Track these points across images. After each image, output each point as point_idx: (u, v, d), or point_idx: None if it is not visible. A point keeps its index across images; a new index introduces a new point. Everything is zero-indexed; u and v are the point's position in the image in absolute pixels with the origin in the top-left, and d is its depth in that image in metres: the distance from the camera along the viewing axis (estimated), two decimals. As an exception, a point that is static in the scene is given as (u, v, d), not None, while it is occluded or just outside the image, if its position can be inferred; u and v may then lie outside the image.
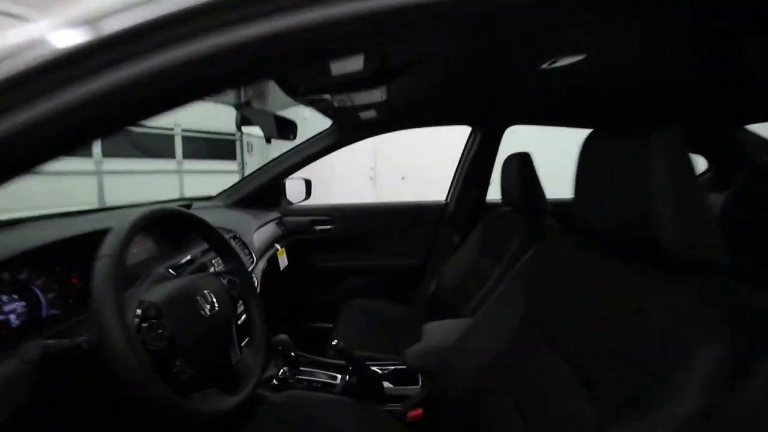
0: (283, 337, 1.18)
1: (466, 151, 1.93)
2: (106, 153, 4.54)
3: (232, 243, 1.26)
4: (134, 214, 0.62)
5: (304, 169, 2.02)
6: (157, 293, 0.63)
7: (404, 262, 2.03)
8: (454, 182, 2.01)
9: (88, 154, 4.32)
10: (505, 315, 0.85)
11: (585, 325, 0.62)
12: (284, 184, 1.97)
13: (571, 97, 1.28)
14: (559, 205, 1.42)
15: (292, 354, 1.18)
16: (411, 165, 5.52)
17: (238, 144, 5.91)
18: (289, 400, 0.96)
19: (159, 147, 5.03)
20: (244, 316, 0.91)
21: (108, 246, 0.55)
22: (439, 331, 1.17)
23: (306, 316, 2.03)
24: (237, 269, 0.87)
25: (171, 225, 0.84)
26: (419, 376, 1.22)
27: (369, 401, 1.03)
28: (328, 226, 1.99)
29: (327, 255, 2.02)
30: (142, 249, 1.11)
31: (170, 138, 5.14)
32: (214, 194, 1.84)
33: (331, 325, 1.62)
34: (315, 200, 2.07)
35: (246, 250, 1.33)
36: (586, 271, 0.69)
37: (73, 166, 4.19)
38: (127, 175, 4.66)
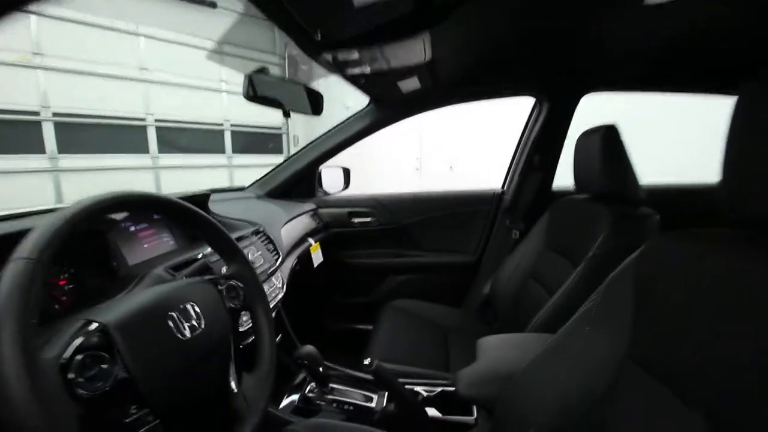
0: (309, 348, 1.00)
1: (528, 127, 1.63)
2: (162, 150, 4.72)
3: (255, 237, 1.11)
4: (73, 205, 0.45)
5: (342, 159, 1.85)
6: (112, 312, 0.46)
7: (454, 260, 1.78)
8: (513, 166, 1.72)
9: (145, 150, 4.52)
10: (601, 342, 0.60)
11: (732, 365, 0.39)
12: (319, 173, 1.80)
13: (683, 46, 0.95)
14: (657, 193, 1.10)
15: (320, 369, 1.00)
16: (460, 153, 5.18)
17: (284, 137, 5.92)
18: (308, 430, 0.77)
19: (210, 142, 5.16)
20: (251, 335, 0.73)
21: (24, 247, 0.39)
22: (498, 350, 0.92)
23: (343, 317, 1.86)
24: (240, 272, 0.69)
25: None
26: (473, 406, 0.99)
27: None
28: (368, 219, 1.79)
29: (366, 251, 1.83)
30: (154, 244, 0.98)
31: (220, 133, 5.26)
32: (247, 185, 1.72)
33: (371, 327, 1.42)
34: (355, 192, 1.88)
35: (271, 246, 1.17)
36: (736, 283, 0.42)
37: (130, 162, 4.39)
38: (180, 170, 4.82)
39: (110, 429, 0.43)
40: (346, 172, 1.87)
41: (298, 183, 1.71)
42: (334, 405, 1.00)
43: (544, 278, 1.26)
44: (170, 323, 0.50)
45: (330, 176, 1.84)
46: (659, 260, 0.55)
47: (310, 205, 1.72)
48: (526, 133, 1.66)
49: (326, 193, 1.85)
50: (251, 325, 0.70)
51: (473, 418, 0.95)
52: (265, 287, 1.07)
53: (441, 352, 1.28)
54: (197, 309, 0.55)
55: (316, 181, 1.80)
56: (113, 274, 0.78)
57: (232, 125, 5.29)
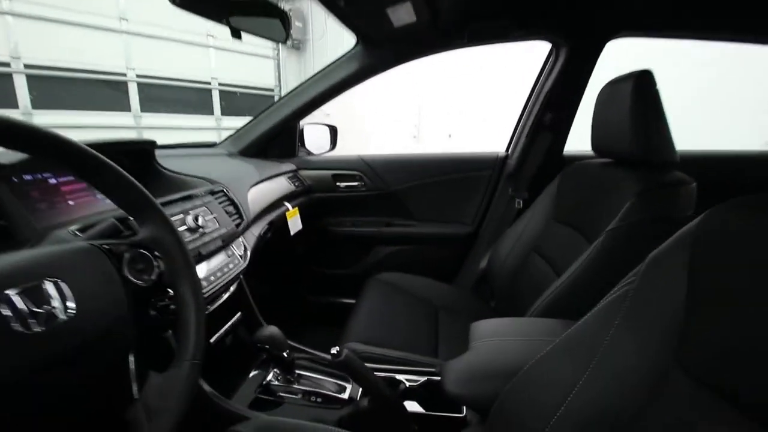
0: (271, 330, 0.85)
1: (540, 79, 1.42)
2: (144, 108, 4.44)
3: (210, 197, 0.92)
4: None
5: (331, 121, 1.64)
6: None
7: (449, 231, 1.61)
8: (520, 126, 1.52)
9: (127, 108, 4.24)
10: (639, 338, 0.44)
11: None
12: (301, 130, 1.60)
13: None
14: (691, 160, 0.93)
15: (285, 354, 0.84)
16: (460, 120, 4.90)
17: (276, 98, 5.61)
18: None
19: (197, 102, 4.86)
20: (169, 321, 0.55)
21: None
22: (495, 339, 0.77)
23: (325, 290, 1.71)
24: (157, 237, 0.51)
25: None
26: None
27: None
28: (355, 183, 1.60)
29: (352, 218, 1.65)
30: (84, 202, 0.80)
31: (208, 93, 4.95)
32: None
33: (355, 301, 1.27)
34: (341, 153, 1.68)
35: (232, 209, 0.99)
36: None
37: (110, 120, 4.12)
38: (166, 131, 4.56)
39: None
40: (333, 131, 1.67)
41: (275, 140, 1.51)
42: (300, 396, 0.86)
43: (550, 253, 1.09)
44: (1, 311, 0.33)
45: (314, 134, 1.64)
46: (722, 234, 0.39)
47: (289, 166, 1.52)
48: (537, 87, 1.45)
49: (309, 153, 1.65)
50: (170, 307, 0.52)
51: (462, 415, 0.80)
52: (221, 257, 0.90)
53: (430, 333, 1.13)
54: (64, 288, 0.38)
55: (297, 138, 1.60)
56: (6, 237, 0.60)
57: (220, 84, 4.97)
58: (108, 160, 0.47)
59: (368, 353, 0.97)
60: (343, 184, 1.60)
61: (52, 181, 0.77)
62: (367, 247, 1.65)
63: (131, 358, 0.44)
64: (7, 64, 3.64)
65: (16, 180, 0.68)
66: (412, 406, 0.83)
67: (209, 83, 4.89)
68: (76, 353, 0.37)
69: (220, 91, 5.07)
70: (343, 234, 1.64)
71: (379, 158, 1.62)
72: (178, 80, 4.59)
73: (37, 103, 3.79)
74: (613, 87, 0.94)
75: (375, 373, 0.73)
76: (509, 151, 1.54)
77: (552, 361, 0.54)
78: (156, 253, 0.51)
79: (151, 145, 0.91)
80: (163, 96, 4.53)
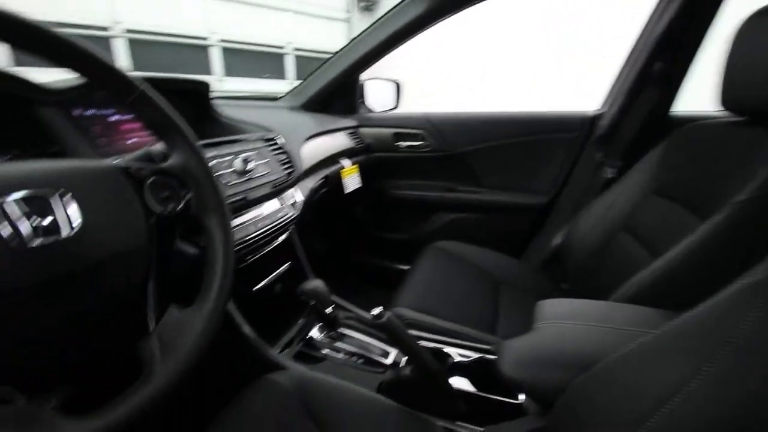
0: (316, 284, 0.80)
1: (651, 19, 1.15)
2: (228, 72, 4.67)
3: (261, 143, 0.88)
4: None
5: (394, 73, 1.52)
6: None
7: (520, 200, 1.44)
8: (619, 78, 1.27)
9: (209, 72, 4.49)
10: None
11: None
12: (362, 85, 1.51)
13: None
14: None
15: (328, 310, 0.80)
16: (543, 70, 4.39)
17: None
18: (295, 387, 0.59)
19: (272, 67, 5.00)
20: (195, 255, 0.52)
21: None
22: (566, 321, 0.64)
23: (379, 254, 1.65)
24: (183, 165, 0.47)
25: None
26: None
27: (425, 413, 0.60)
28: (417, 143, 1.49)
29: (412, 181, 1.56)
30: (145, 141, 0.81)
31: (281, 57, 5.04)
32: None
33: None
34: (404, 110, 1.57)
35: (284, 157, 0.94)
36: None
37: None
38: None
39: None
40: (397, 87, 1.55)
41: (336, 95, 1.44)
42: (341, 355, 0.81)
43: (645, 232, 0.90)
44: None
45: (376, 90, 1.54)
46: None
47: (349, 122, 1.46)
48: (645, 32, 1.18)
49: (370, 111, 1.56)
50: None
51: (519, 401, 0.70)
52: (270, 204, 0.87)
53: (489, 308, 1.02)
54: (71, 202, 0.34)
55: (357, 94, 1.52)
56: None
57: (295, 49, 5.03)
58: (133, 77, 0.43)
59: (416, 320, 0.90)
60: (404, 144, 1.50)
61: (112, 118, 0.78)
62: (427, 212, 1.55)
63: (150, 290, 0.41)
64: (108, 28, 4.00)
65: (77, 114, 0.69)
66: (461, 383, 0.74)
67: (283, 47, 4.97)
68: (82, 274, 0.34)
69: (297, 57, 5.14)
70: (401, 197, 1.55)
71: (445, 117, 1.48)
72: (256, 44, 4.72)
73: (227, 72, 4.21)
74: (761, 19, 0.71)
75: (422, 342, 0.65)
76: (603, 109, 1.31)
77: (648, 357, 0.41)
78: (181, 180, 0.47)
79: (204, 87, 0.88)
80: (242, 61, 4.71)
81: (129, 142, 0.79)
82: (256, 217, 0.81)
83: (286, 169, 0.93)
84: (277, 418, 0.54)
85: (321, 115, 1.40)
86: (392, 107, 1.56)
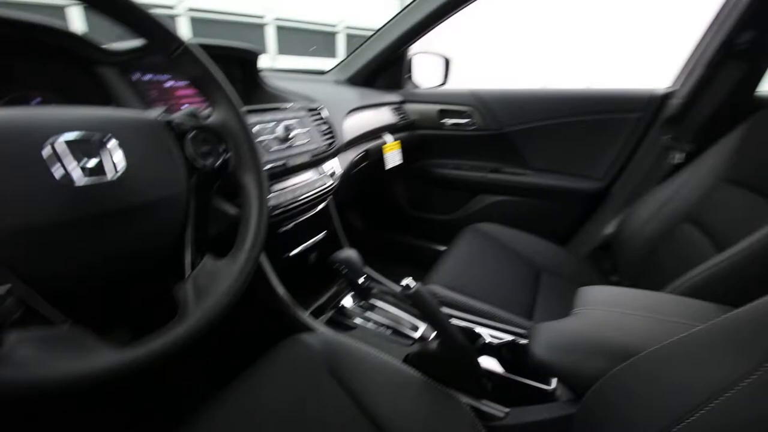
0: (349, 253, 0.81)
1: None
2: (281, 51, 4.78)
3: (304, 113, 0.89)
4: None
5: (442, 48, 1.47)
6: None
7: (571, 184, 1.35)
8: (695, 52, 1.13)
9: (263, 51, 4.61)
10: None
11: None
12: (410, 60, 1.47)
13: None
14: None
15: (360, 280, 0.81)
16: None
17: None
18: (323, 348, 0.60)
19: (323, 46, 5.03)
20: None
21: None
22: (611, 307, 0.59)
23: (416, 233, 1.64)
24: (223, 122, 0.49)
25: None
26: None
27: (450, 388, 0.59)
28: (464, 120, 1.44)
29: (456, 160, 1.51)
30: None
31: (332, 36, 5.06)
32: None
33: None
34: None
35: (325, 128, 0.95)
36: None
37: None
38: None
39: None
40: (446, 62, 1.50)
41: (382, 70, 1.42)
42: (370, 324, 0.82)
43: (713, 222, 0.81)
44: (46, 156, 0.32)
45: (424, 65, 1.50)
46: None
47: (394, 97, 1.43)
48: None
49: (416, 86, 1.53)
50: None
51: (550, 387, 0.67)
52: (310, 173, 0.89)
53: (527, 295, 0.98)
54: (116, 148, 0.37)
55: (404, 69, 1.48)
56: None
57: (346, 27, 5.02)
58: (177, 33, 0.45)
59: (448, 298, 0.88)
60: (449, 121, 1.45)
61: (168, 84, 0.82)
62: (469, 193, 1.50)
63: (187, 239, 0.43)
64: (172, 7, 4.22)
65: (135, 78, 0.73)
66: (489, 363, 0.73)
67: (335, 26, 4.97)
68: (123, 215, 0.37)
69: (348, 36, 5.13)
70: (442, 176, 1.52)
71: (494, 93, 1.41)
72: (309, 23, 4.77)
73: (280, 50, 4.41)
74: None
75: (453, 321, 0.64)
76: (675, 87, 1.18)
77: (697, 351, 0.37)
78: (221, 136, 0.49)
79: (253, 55, 0.90)
80: (295, 39, 4.79)
81: (182, 107, 0.84)
82: (294, 184, 0.82)
83: (327, 139, 0.93)
84: (304, 374, 0.56)
85: (366, 89, 1.39)
86: (440, 83, 1.51)
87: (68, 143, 0.33)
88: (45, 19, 0.51)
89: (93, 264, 0.34)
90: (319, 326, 0.79)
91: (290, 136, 0.80)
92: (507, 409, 0.62)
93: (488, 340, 0.78)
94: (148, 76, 0.77)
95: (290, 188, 0.80)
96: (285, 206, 0.78)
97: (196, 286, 0.41)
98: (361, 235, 1.70)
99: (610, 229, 1.19)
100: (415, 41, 1.33)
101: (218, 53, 0.88)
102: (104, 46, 0.61)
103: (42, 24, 0.50)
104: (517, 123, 1.38)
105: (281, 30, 4.62)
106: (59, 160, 0.32)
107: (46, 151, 0.32)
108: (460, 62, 1.48)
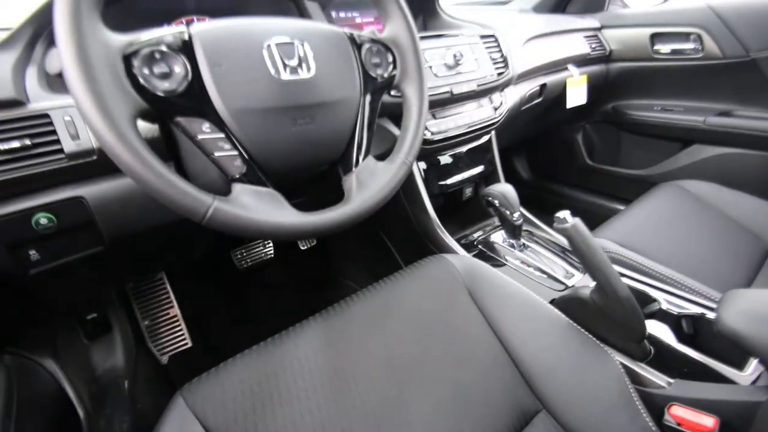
0: (506, 187, 0.78)
1: None
2: None
3: (476, 39, 0.86)
4: None
5: None
6: (204, 24, 0.40)
7: None
8: None
9: None
10: None
11: None
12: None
13: None
14: None
15: (513, 216, 0.78)
16: None
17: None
18: (465, 270, 0.63)
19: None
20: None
21: None
22: None
23: (596, 188, 1.41)
24: (394, 36, 0.52)
25: None
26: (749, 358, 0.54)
27: (602, 342, 0.54)
28: (687, 46, 1.11)
29: (665, 101, 1.21)
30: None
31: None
32: None
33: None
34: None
35: (499, 57, 0.90)
36: None
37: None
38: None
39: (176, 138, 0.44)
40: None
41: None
42: (519, 262, 0.79)
43: None
44: (265, 54, 0.42)
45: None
46: None
47: (589, 23, 1.21)
48: None
49: (625, 5, 1.25)
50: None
51: (744, 372, 0.52)
52: (474, 103, 0.87)
53: (741, 274, 0.76)
54: (307, 51, 0.44)
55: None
56: None
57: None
58: None
59: (620, 255, 0.76)
60: (665, 49, 1.15)
61: (358, 20, 0.91)
62: (678, 143, 1.20)
63: (356, 137, 0.50)
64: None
65: (334, 14, 0.85)
66: (657, 328, 0.62)
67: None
68: (312, 109, 0.45)
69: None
70: (642, 121, 1.24)
71: (740, 7, 1.03)
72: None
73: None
74: None
75: (625, 281, 0.56)
76: None
77: None
78: (393, 52, 0.53)
79: None
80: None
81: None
82: (456, 114, 0.83)
83: (498, 69, 0.88)
84: (444, 288, 0.59)
85: (554, 15, 1.22)
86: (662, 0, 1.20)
87: (278, 45, 0.42)
88: None
89: (288, 143, 0.44)
90: (463, 252, 0.81)
91: (459, 63, 0.79)
92: (671, 380, 0.53)
93: (665, 306, 0.66)
94: (343, 13, 0.87)
95: (451, 117, 0.81)
96: (446, 133, 0.80)
97: (358, 180, 0.48)
98: (524, 184, 1.59)
99: None
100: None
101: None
102: None
103: None
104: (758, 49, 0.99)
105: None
106: (271, 58, 0.42)
107: (265, 50, 0.41)
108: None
